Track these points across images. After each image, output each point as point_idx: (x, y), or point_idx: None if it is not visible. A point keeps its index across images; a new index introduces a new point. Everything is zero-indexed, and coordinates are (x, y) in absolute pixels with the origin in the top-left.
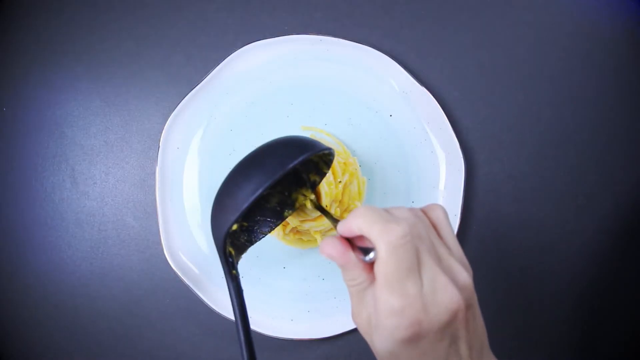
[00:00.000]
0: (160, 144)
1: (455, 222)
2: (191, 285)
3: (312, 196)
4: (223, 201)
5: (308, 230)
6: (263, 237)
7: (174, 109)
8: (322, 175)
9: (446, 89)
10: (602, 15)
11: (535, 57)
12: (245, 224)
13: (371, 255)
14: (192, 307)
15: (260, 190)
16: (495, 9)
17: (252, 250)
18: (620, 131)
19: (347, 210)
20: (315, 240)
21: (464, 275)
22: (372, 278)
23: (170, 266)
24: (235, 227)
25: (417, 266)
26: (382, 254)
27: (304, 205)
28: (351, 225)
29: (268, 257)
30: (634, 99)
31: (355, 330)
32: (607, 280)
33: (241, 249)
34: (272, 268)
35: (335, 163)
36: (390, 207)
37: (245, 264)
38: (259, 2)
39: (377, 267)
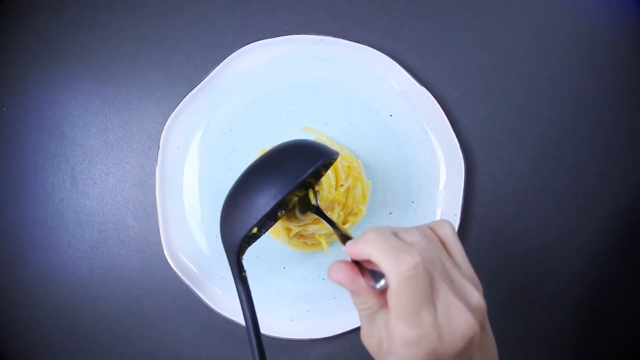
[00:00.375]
0: (160, 144)
1: (455, 222)
2: (191, 285)
3: (313, 200)
4: (240, 205)
5: (312, 234)
6: (259, 237)
7: (174, 109)
8: (319, 177)
9: (446, 89)
10: (602, 15)
11: (535, 57)
12: None
13: (382, 283)
14: (192, 307)
15: (283, 194)
16: (495, 9)
17: (252, 250)
18: (620, 131)
19: (350, 213)
20: (320, 244)
21: (477, 296)
22: (383, 302)
23: (170, 266)
24: (255, 230)
25: (430, 293)
26: (394, 285)
27: (294, 208)
28: (360, 251)
29: (268, 257)
30: (634, 99)
31: (355, 330)
32: (607, 280)
33: (242, 251)
34: (272, 268)
35: (339, 166)
36: (400, 229)
37: (245, 264)
38: (259, 2)
39: (390, 297)
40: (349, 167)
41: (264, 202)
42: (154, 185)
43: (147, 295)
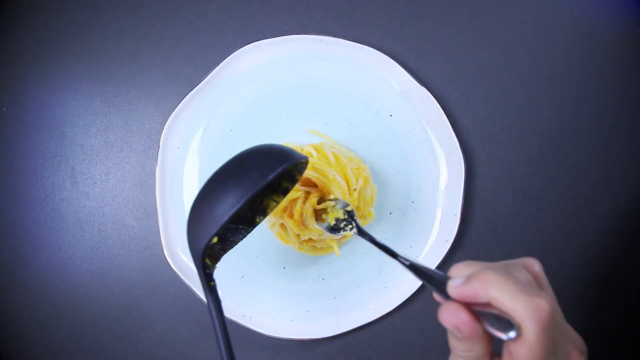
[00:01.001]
0: (160, 144)
1: (455, 222)
2: (191, 285)
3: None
4: (202, 214)
5: (325, 239)
6: (235, 244)
7: (174, 109)
8: (295, 181)
9: (446, 89)
10: (602, 15)
11: (535, 57)
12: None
13: (512, 334)
14: (192, 307)
15: (241, 203)
16: (495, 9)
17: (252, 250)
18: (620, 131)
19: (362, 216)
20: (328, 248)
21: (579, 339)
22: (489, 349)
23: (170, 266)
24: (215, 239)
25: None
26: (532, 336)
27: (307, 218)
28: (478, 293)
29: (268, 257)
30: (634, 99)
31: (355, 330)
32: (607, 280)
33: (215, 258)
34: (272, 268)
35: (348, 171)
36: (508, 267)
37: (245, 264)
38: (259, 2)
39: (520, 348)
40: (357, 169)
41: (223, 211)
42: (154, 185)
43: (147, 295)
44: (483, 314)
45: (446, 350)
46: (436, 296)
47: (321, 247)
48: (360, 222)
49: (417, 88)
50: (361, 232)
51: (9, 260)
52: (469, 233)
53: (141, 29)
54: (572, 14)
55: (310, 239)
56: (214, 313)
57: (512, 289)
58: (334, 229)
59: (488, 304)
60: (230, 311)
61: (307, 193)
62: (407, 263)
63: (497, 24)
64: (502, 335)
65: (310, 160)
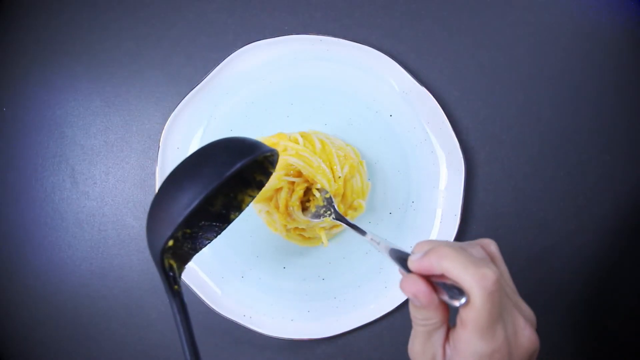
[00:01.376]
0: (160, 144)
1: (455, 222)
2: (191, 285)
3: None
4: (157, 214)
5: (313, 227)
6: (209, 242)
7: (174, 109)
8: (269, 174)
9: (446, 89)
10: (602, 15)
11: (535, 57)
12: (188, 230)
13: (463, 300)
14: (192, 307)
15: (196, 203)
16: (495, 9)
17: (252, 250)
18: (620, 131)
19: (350, 207)
20: (317, 240)
21: (529, 311)
22: (445, 318)
23: None
24: (171, 243)
25: (502, 308)
26: (477, 301)
27: (293, 210)
28: (434, 265)
29: (268, 257)
30: (634, 99)
31: (355, 330)
32: (607, 280)
33: (185, 259)
34: (272, 268)
35: (334, 157)
36: (462, 245)
37: (245, 264)
38: (259, 2)
39: (468, 313)
40: (344, 156)
41: (178, 211)
42: (154, 185)
43: (147, 295)
44: (439, 284)
45: None
46: (401, 272)
47: (309, 237)
48: (349, 213)
49: (417, 88)
50: (338, 217)
51: (9, 260)
52: (469, 233)
53: (141, 29)
54: (572, 14)
55: (297, 227)
56: (178, 319)
57: (463, 261)
58: (315, 216)
59: (443, 276)
60: (230, 311)
61: (292, 183)
62: (376, 241)
63: (497, 24)
64: (455, 302)
65: (296, 147)
